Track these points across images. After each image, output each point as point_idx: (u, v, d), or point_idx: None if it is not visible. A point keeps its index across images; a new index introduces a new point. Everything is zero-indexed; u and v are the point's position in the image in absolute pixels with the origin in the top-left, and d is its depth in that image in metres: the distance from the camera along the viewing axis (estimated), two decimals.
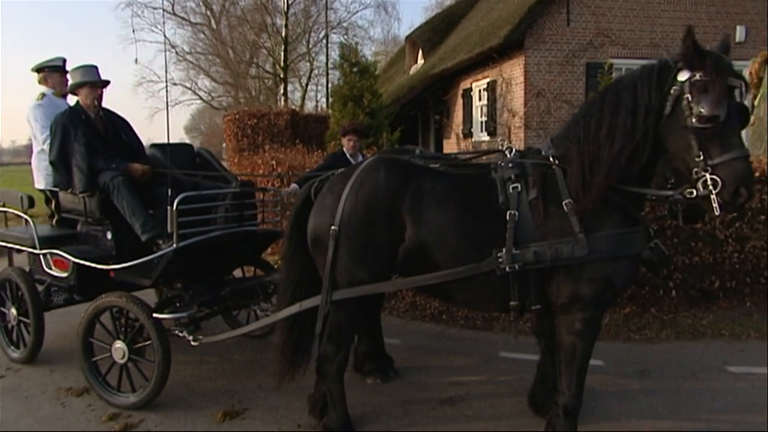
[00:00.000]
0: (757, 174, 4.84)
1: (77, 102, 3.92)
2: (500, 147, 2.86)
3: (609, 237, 2.49)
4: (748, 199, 2.25)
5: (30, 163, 4.56)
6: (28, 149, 4.79)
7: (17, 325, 4.11)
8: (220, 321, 4.48)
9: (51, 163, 3.78)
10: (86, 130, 3.74)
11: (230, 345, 4.31)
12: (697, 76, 2.25)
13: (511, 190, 2.61)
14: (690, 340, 4.49)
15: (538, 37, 11.30)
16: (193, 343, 3.44)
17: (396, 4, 52.19)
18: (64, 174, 3.73)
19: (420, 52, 17.87)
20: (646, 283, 4.91)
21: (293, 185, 4.45)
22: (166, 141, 3.84)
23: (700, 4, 11.52)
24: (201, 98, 31.26)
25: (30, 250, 3.99)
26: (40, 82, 4.62)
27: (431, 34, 17.56)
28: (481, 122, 13.48)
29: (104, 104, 4.01)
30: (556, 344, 2.76)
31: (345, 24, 27.46)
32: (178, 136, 53.41)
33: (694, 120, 2.25)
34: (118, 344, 3.41)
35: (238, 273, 4.52)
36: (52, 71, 4.59)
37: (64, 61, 4.63)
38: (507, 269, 2.53)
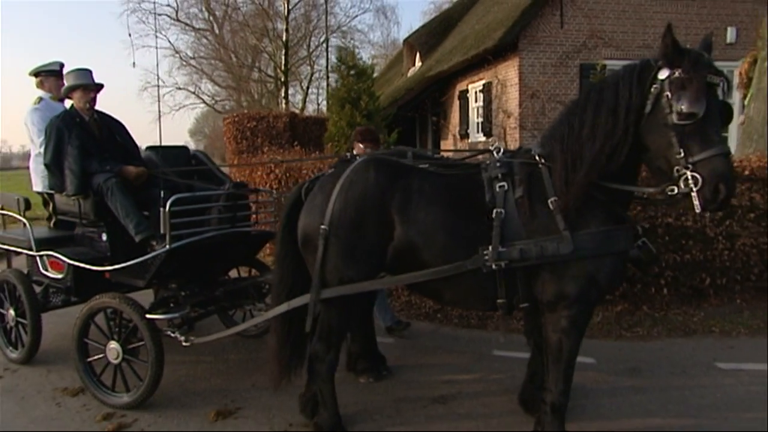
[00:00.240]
0: (746, 172, 4.89)
1: (72, 105, 3.96)
2: (490, 147, 2.89)
3: (593, 234, 2.50)
4: (728, 197, 2.23)
5: (29, 167, 4.61)
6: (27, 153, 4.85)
7: (15, 326, 4.14)
8: (216, 321, 4.51)
9: (46, 165, 3.82)
10: (80, 132, 3.77)
11: (226, 344, 4.34)
12: (676, 74, 2.26)
13: (497, 189, 2.63)
14: (681, 337, 4.53)
15: (532, 39, 11.37)
16: (184, 344, 3.46)
17: (395, 8, 52.46)
18: (59, 177, 3.76)
19: (417, 54, 17.95)
20: (638, 280, 4.94)
21: None
22: (166, 144, 3.89)
23: (691, 5, 11.61)
24: (204, 102, 31.55)
25: (27, 252, 4.04)
26: (37, 87, 4.68)
27: (428, 37, 17.64)
28: (478, 123, 13.54)
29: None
30: (544, 342, 2.78)
31: (345, 28, 27.68)
32: (183, 139, 53.51)
33: (674, 117, 2.25)
34: (113, 345, 3.44)
35: (235, 273, 4.56)
36: (48, 75, 4.65)
37: (62, 65, 4.67)
38: (493, 267, 2.55)
